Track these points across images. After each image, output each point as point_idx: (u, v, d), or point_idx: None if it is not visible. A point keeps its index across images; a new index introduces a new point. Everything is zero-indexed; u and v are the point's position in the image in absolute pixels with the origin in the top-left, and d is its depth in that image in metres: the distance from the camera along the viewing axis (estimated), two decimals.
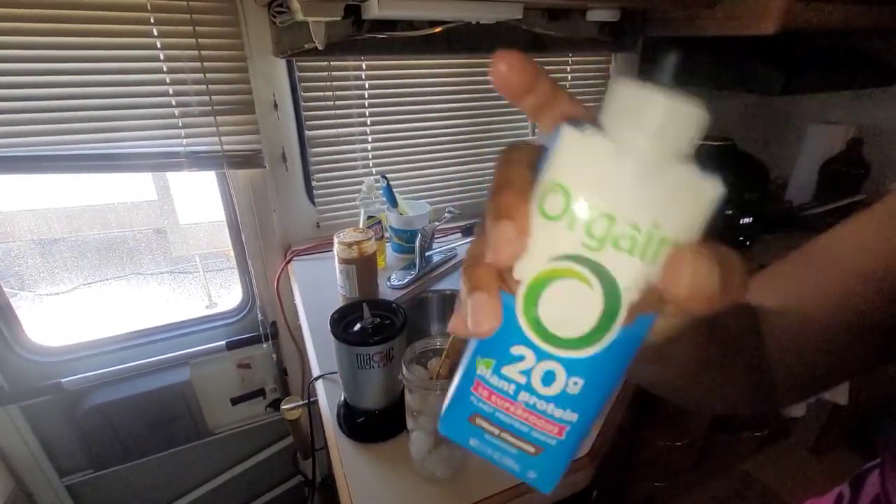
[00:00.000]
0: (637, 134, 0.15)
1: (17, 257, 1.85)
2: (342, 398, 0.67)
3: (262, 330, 1.20)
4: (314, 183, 1.15)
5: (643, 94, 0.15)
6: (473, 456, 0.60)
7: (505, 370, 0.18)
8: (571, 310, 0.16)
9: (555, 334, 0.17)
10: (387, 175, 1.08)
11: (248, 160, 1.03)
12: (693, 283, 0.15)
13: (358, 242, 0.83)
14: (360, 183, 1.05)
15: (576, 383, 0.17)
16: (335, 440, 0.63)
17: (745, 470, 1.59)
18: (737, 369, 0.31)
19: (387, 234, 1.12)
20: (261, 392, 1.28)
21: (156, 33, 0.88)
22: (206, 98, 0.95)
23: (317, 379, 0.75)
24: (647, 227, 0.15)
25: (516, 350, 0.18)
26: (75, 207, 2.10)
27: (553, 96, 0.18)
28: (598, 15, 1.10)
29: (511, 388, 0.18)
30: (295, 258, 1.12)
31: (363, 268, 0.85)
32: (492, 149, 1.33)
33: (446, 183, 1.31)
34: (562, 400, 0.18)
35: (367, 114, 1.14)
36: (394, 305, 0.64)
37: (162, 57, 0.90)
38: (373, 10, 0.77)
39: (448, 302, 1.05)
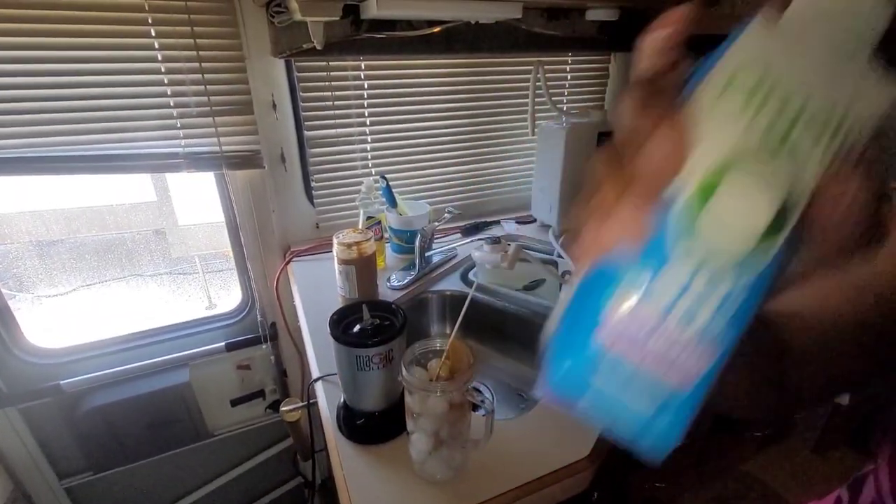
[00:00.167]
0: (825, 26, 0.14)
1: (16, 259, 1.85)
2: (342, 400, 0.66)
3: (261, 331, 1.20)
4: (313, 183, 1.14)
5: None
6: (474, 458, 0.60)
7: (653, 286, 0.16)
8: (748, 206, 0.15)
9: (727, 232, 0.15)
10: (386, 175, 1.08)
11: (246, 161, 1.03)
12: (854, 204, 0.14)
13: (357, 243, 0.83)
14: (360, 183, 1.04)
15: (732, 303, 0.16)
16: (335, 442, 0.63)
17: (746, 470, 1.59)
18: (759, 372, 0.30)
19: (386, 235, 1.11)
20: (260, 393, 1.28)
21: (153, 34, 0.87)
22: (205, 98, 0.94)
23: (316, 380, 0.74)
24: (828, 115, 0.14)
25: (675, 250, 0.16)
26: (74, 209, 2.10)
27: None
28: (597, 14, 1.10)
29: (655, 312, 0.16)
30: (294, 259, 1.12)
31: (362, 268, 0.85)
32: (491, 148, 1.33)
33: (446, 183, 1.31)
34: (712, 323, 0.16)
35: (367, 114, 1.14)
36: (393, 306, 0.64)
37: (160, 57, 0.89)
38: (371, 10, 0.77)
39: (449, 302, 1.05)
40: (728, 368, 0.28)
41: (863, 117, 0.15)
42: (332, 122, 1.11)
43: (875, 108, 0.15)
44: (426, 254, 1.06)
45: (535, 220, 1.32)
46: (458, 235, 1.25)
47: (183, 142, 0.96)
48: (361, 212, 1.02)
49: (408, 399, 0.54)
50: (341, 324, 0.61)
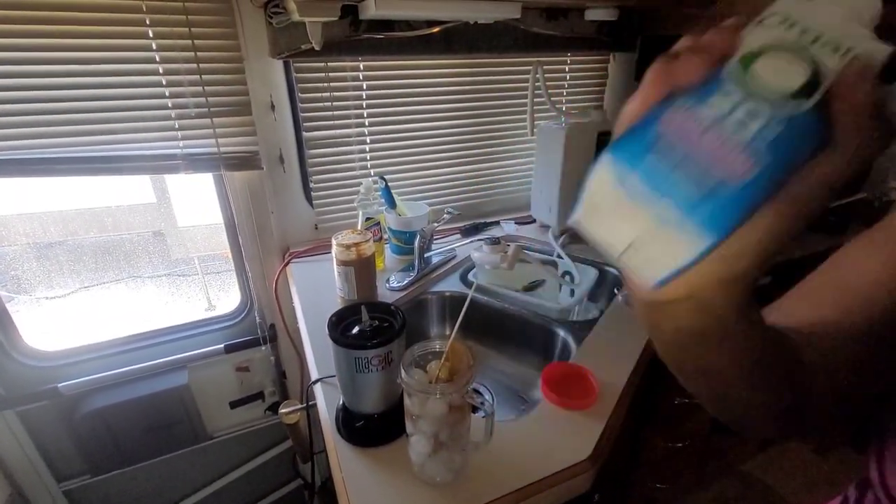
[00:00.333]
0: None
1: (14, 261, 1.84)
2: (341, 402, 0.66)
3: (260, 333, 1.19)
4: (312, 184, 1.14)
5: None
6: (474, 460, 0.60)
7: (707, 104, 0.20)
8: (783, 70, 0.19)
9: (766, 82, 0.19)
10: (385, 176, 1.07)
11: (245, 162, 1.02)
12: (864, 81, 0.19)
13: (356, 244, 0.83)
14: (359, 184, 1.04)
15: (769, 130, 0.19)
16: (334, 444, 0.63)
17: (746, 470, 1.58)
18: (773, 387, 0.31)
19: (385, 236, 1.11)
20: (260, 395, 1.28)
21: (151, 34, 0.87)
22: (203, 100, 0.94)
23: (315, 382, 0.74)
24: (840, 44, 0.19)
25: (724, 89, 0.20)
26: (71, 211, 2.10)
27: None
28: (596, 14, 1.09)
29: (707, 120, 0.20)
30: (293, 260, 1.12)
31: (361, 270, 0.85)
32: (491, 149, 1.32)
33: (445, 184, 1.31)
34: (754, 140, 0.19)
35: (365, 115, 1.13)
36: (392, 308, 0.63)
37: (158, 58, 0.89)
38: (370, 10, 0.77)
39: (448, 303, 1.04)
40: (743, 379, 0.29)
41: (864, 53, 0.19)
42: (331, 122, 1.10)
43: (875, 54, 0.19)
44: (425, 255, 1.06)
45: (534, 221, 1.31)
46: (458, 236, 1.25)
47: (181, 143, 0.96)
48: (360, 213, 1.02)
49: (407, 401, 0.53)
50: (340, 325, 0.61)
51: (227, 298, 1.83)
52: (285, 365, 1.28)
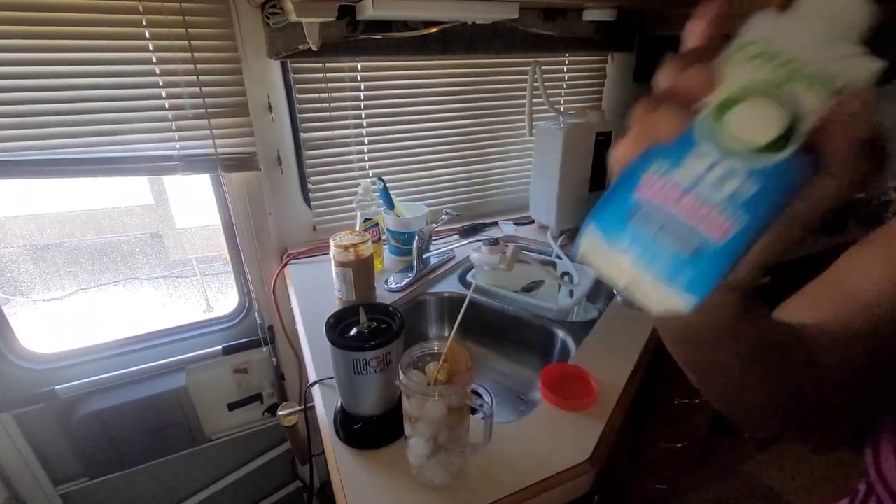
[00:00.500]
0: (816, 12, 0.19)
1: (10, 263, 1.84)
2: (339, 404, 0.66)
3: (261, 334, 1.19)
4: (310, 185, 1.14)
5: None
6: (473, 462, 0.59)
7: (683, 166, 0.20)
8: (758, 121, 0.19)
9: (740, 137, 0.19)
10: (383, 177, 1.07)
11: (242, 163, 1.02)
12: (854, 118, 0.18)
13: (354, 245, 0.82)
14: (357, 185, 1.04)
15: (747, 187, 0.19)
16: (332, 447, 0.62)
17: (746, 470, 1.58)
18: (782, 386, 0.31)
19: (384, 237, 1.11)
20: (258, 397, 1.27)
21: (148, 35, 0.87)
22: (200, 101, 0.94)
23: (313, 384, 0.74)
24: (823, 76, 0.19)
25: (699, 148, 0.20)
26: (68, 212, 2.09)
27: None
28: (594, 14, 1.09)
29: (684, 183, 0.20)
30: (291, 261, 1.11)
31: (360, 271, 0.84)
32: (489, 149, 1.32)
33: (444, 184, 1.31)
34: (731, 201, 0.19)
35: (363, 115, 1.13)
36: (391, 309, 0.63)
37: (154, 59, 0.89)
38: (367, 11, 0.77)
39: (447, 304, 1.04)
40: (749, 375, 0.30)
41: (851, 80, 0.19)
42: (329, 123, 1.10)
43: (863, 76, 0.19)
44: (424, 256, 1.05)
45: (533, 221, 1.31)
46: (456, 237, 1.25)
47: (178, 144, 0.95)
48: (358, 214, 1.02)
49: (405, 403, 0.53)
50: (338, 327, 0.61)
51: (225, 300, 1.82)
52: (284, 367, 1.27)
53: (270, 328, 1.22)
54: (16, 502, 1.09)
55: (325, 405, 0.69)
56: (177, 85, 0.91)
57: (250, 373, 1.23)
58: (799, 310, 0.37)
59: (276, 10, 0.88)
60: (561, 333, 0.89)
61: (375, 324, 0.61)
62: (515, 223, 1.33)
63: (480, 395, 0.53)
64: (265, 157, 1.05)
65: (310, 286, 1.01)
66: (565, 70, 1.33)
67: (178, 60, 0.90)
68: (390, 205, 1.08)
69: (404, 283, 1.00)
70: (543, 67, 1.10)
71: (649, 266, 0.21)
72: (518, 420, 0.66)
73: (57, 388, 1.03)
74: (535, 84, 1.13)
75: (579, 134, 1.11)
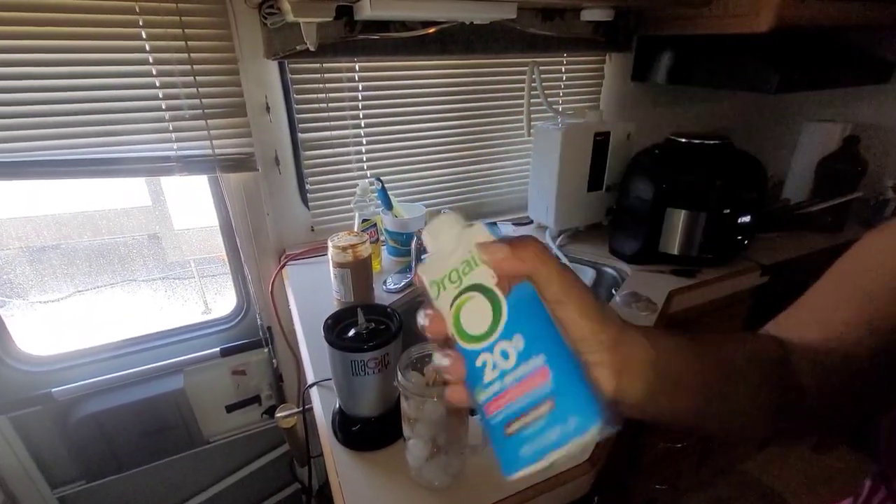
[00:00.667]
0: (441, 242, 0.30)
1: (7, 265, 1.83)
2: (337, 405, 0.65)
3: (259, 335, 1.18)
4: (308, 186, 1.13)
5: (439, 226, 0.31)
6: (472, 464, 0.59)
7: (485, 381, 0.26)
8: (475, 312, 0.27)
9: (472, 333, 0.27)
10: (381, 177, 1.07)
11: (240, 164, 1.02)
12: (492, 256, 0.27)
13: (352, 246, 0.82)
14: (355, 186, 1.03)
15: (518, 341, 0.25)
16: (330, 448, 0.62)
17: (746, 470, 1.58)
18: (743, 398, 0.31)
19: (382, 238, 1.10)
20: (256, 399, 1.27)
21: (144, 35, 0.86)
22: (197, 101, 0.93)
23: (311, 386, 0.73)
24: (467, 261, 0.28)
25: (477, 362, 0.26)
26: (65, 214, 2.08)
27: None
28: (592, 14, 1.09)
29: (496, 386, 0.25)
30: (289, 262, 1.11)
31: (358, 272, 0.84)
32: (487, 150, 1.32)
33: (442, 185, 1.30)
34: (523, 357, 0.25)
35: (361, 116, 1.13)
36: (389, 310, 0.63)
37: (151, 60, 0.88)
38: (365, 11, 0.76)
39: None
40: (715, 406, 0.31)
41: (472, 249, 0.28)
42: (327, 124, 1.10)
43: (472, 242, 0.28)
44: (422, 256, 1.05)
45: (531, 222, 1.31)
46: None
47: (175, 145, 0.95)
48: (357, 214, 1.01)
49: (404, 404, 0.53)
50: (336, 328, 0.60)
51: (223, 301, 1.82)
52: (282, 368, 1.27)
53: (269, 329, 1.21)
54: None
55: (323, 407, 0.69)
56: (174, 86, 0.91)
57: (248, 374, 1.22)
58: (793, 322, 0.37)
59: (273, 10, 0.88)
60: None
61: (373, 325, 0.61)
62: (514, 223, 1.32)
63: None
64: (263, 158, 1.05)
65: (308, 287, 1.01)
66: (563, 70, 1.33)
67: (175, 61, 0.89)
68: (388, 205, 1.07)
69: (402, 283, 0.99)
70: (541, 67, 1.10)
71: (552, 444, 0.23)
72: None
73: (54, 390, 1.02)
74: (534, 84, 1.12)
75: (578, 134, 1.10)
